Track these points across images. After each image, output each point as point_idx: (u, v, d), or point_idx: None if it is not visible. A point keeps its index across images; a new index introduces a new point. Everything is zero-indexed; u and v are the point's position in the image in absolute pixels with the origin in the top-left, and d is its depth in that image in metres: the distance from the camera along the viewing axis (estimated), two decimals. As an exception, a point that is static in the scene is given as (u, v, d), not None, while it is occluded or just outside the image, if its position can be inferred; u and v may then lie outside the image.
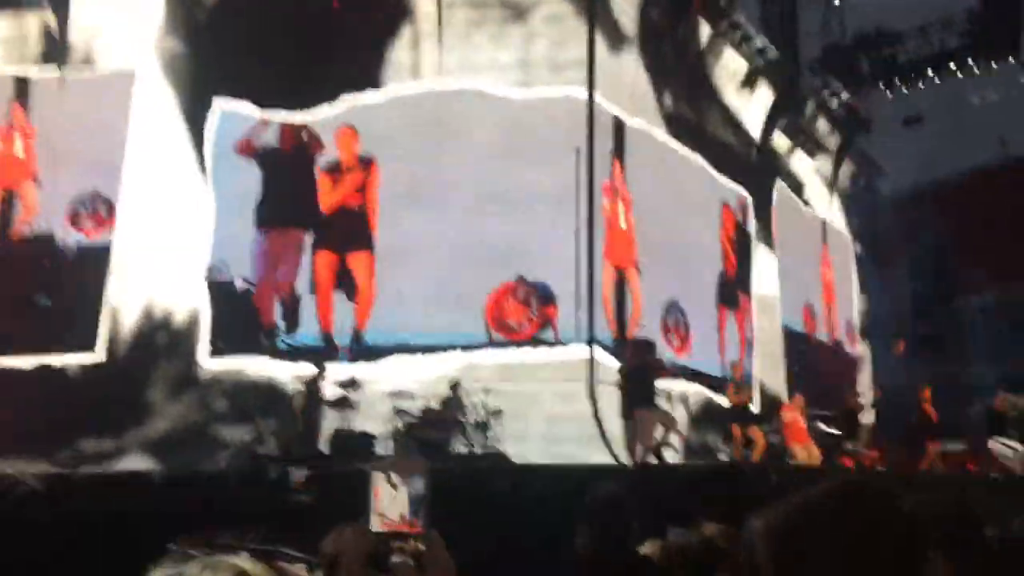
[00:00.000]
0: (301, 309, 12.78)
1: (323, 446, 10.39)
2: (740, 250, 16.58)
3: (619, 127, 13.83)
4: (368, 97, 13.35)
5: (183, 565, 0.97)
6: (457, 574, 1.32)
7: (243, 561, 0.98)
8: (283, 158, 13.28)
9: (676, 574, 3.51)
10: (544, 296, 12.73)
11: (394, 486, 1.35)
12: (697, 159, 15.56)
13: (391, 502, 1.36)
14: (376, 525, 1.36)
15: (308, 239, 12.97)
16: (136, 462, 10.07)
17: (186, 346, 12.34)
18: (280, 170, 13.21)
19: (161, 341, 12.38)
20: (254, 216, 12.91)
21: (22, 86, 13.67)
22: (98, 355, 12.29)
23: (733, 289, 16.27)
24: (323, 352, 12.16)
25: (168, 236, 12.47)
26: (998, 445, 11.28)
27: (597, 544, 3.33)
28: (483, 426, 10.58)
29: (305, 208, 13.04)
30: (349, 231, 12.91)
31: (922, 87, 20.45)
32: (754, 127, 17.57)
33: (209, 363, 12.36)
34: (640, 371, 10.64)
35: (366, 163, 12.98)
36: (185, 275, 12.48)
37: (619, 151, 13.72)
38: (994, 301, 19.32)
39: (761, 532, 1.11)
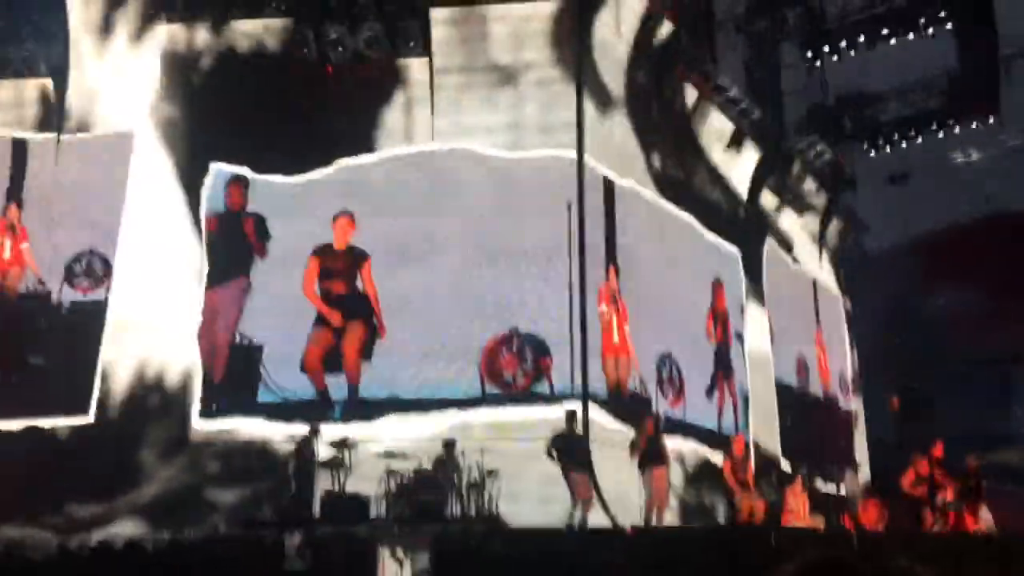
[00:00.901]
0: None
1: (316, 509, 10.27)
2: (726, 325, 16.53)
3: (609, 187, 14.04)
4: (362, 159, 13.55)
5: None
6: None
7: None
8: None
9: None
10: (538, 348, 12.77)
11: (399, 561, 1.39)
12: (687, 217, 15.76)
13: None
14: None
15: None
16: (127, 527, 9.93)
17: (179, 407, 12.28)
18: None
19: (153, 402, 12.33)
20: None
21: (20, 149, 13.84)
22: (89, 417, 12.21)
23: (725, 357, 16.31)
24: (316, 408, 12.12)
25: (163, 296, 12.52)
26: None
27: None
28: (477, 487, 10.49)
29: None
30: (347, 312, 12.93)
31: (905, 146, 20.83)
32: (741, 186, 17.84)
33: (202, 424, 12.29)
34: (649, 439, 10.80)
35: (358, 253, 13.08)
36: (179, 335, 12.48)
37: (611, 256, 13.87)
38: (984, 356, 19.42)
39: None
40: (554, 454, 10.62)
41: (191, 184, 13.13)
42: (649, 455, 10.64)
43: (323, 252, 13.02)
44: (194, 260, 12.94)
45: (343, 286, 12.94)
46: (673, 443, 13.01)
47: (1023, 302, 20.01)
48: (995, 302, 19.61)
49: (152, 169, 13.18)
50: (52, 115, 13.95)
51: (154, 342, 12.53)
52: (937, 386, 18.59)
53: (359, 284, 12.94)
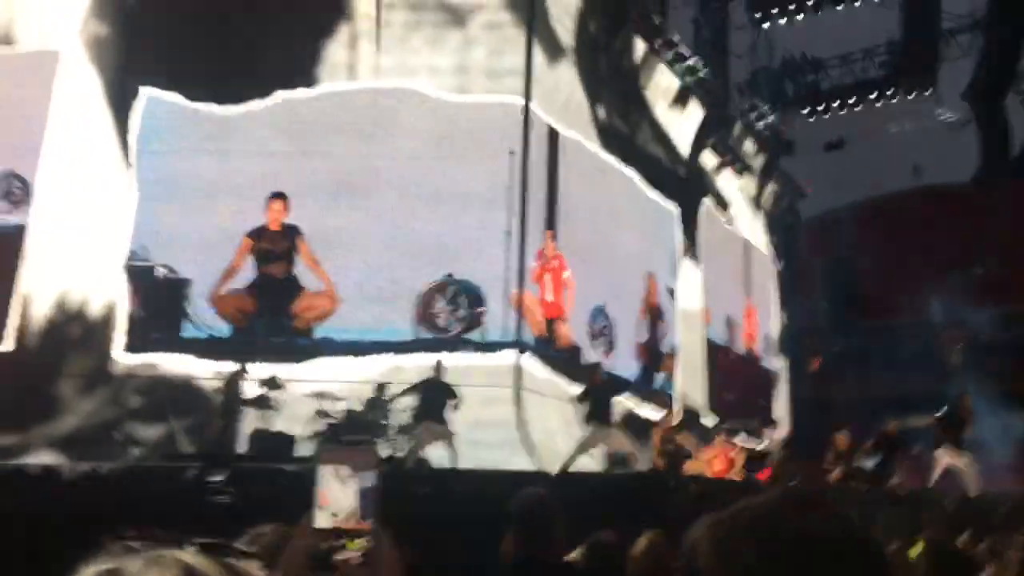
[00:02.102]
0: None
1: (242, 447, 10.13)
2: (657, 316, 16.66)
3: (553, 136, 13.95)
4: (301, 93, 13.16)
5: (122, 559, 0.90)
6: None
7: (189, 556, 0.93)
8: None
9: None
10: (473, 296, 12.74)
11: (342, 480, 1.32)
12: (628, 172, 15.79)
13: (338, 497, 1.33)
14: (321, 521, 1.33)
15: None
16: (44, 458, 9.65)
17: (101, 339, 11.92)
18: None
19: (74, 333, 11.93)
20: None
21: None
22: (6, 344, 11.77)
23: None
24: (242, 345, 11.92)
25: (87, 223, 12.05)
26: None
27: (523, 549, 3.35)
28: (407, 429, 10.50)
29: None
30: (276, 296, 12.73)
31: (843, 113, 21.18)
32: (684, 144, 17.93)
33: (124, 358, 11.97)
34: (596, 391, 10.88)
35: (293, 231, 12.80)
36: (103, 264, 12.07)
37: (551, 221, 13.80)
38: (907, 323, 20.08)
39: (704, 540, 1.10)
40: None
41: (120, 107, 12.57)
42: (596, 412, 10.69)
43: (258, 235, 12.74)
44: (120, 186, 12.45)
45: (282, 268, 12.73)
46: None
47: (944, 272, 20.71)
48: (919, 270, 20.25)
49: (78, 89, 12.57)
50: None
51: (76, 271, 12.08)
52: (860, 350, 19.18)
53: (297, 264, 12.71)
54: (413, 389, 10.49)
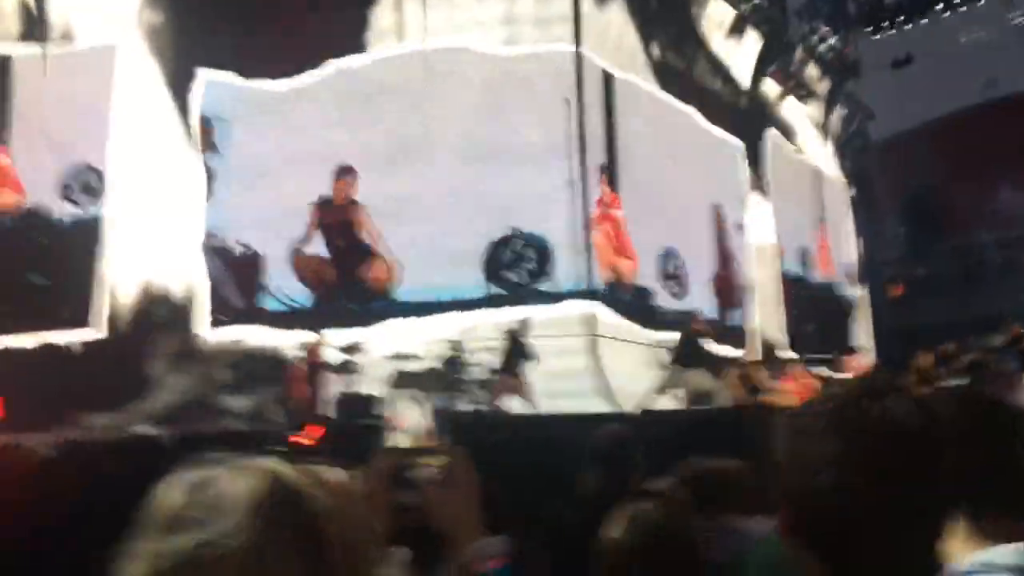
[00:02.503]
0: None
1: (328, 411, 10.41)
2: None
3: (608, 80, 13.73)
4: (352, 61, 13.22)
5: (212, 469, 0.93)
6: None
7: (274, 463, 0.98)
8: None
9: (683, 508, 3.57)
10: (540, 248, 12.73)
11: (419, 402, 1.36)
12: (688, 110, 15.48)
13: (415, 418, 1.37)
14: (401, 441, 1.37)
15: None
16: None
17: (186, 318, 12.37)
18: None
19: (161, 314, 12.39)
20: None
21: (3, 64, 13.50)
22: (99, 331, 12.30)
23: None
24: (319, 315, 12.25)
25: (161, 208, 12.44)
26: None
27: (604, 482, 3.39)
28: (485, 384, 10.63)
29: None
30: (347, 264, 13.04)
31: (909, 28, 20.29)
32: (743, 75, 17.45)
33: (210, 334, 12.39)
34: (693, 339, 11.02)
35: (354, 206, 13.05)
36: (181, 246, 12.48)
37: (612, 166, 13.62)
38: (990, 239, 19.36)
39: (785, 432, 1.10)
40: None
41: (180, 92, 12.86)
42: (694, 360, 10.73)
43: (323, 207, 13.08)
44: (188, 169, 12.79)
45: (346, 239, 13.01)
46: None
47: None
48: (998, 184, 19.43)
49: (138, 79, 12.88)
50: (35, 27, 13.53)
51: (156, 255, 12.50)
52: (942, 272, 18.59)
53: (362, 235, 12.95)
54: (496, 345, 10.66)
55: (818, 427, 1.06)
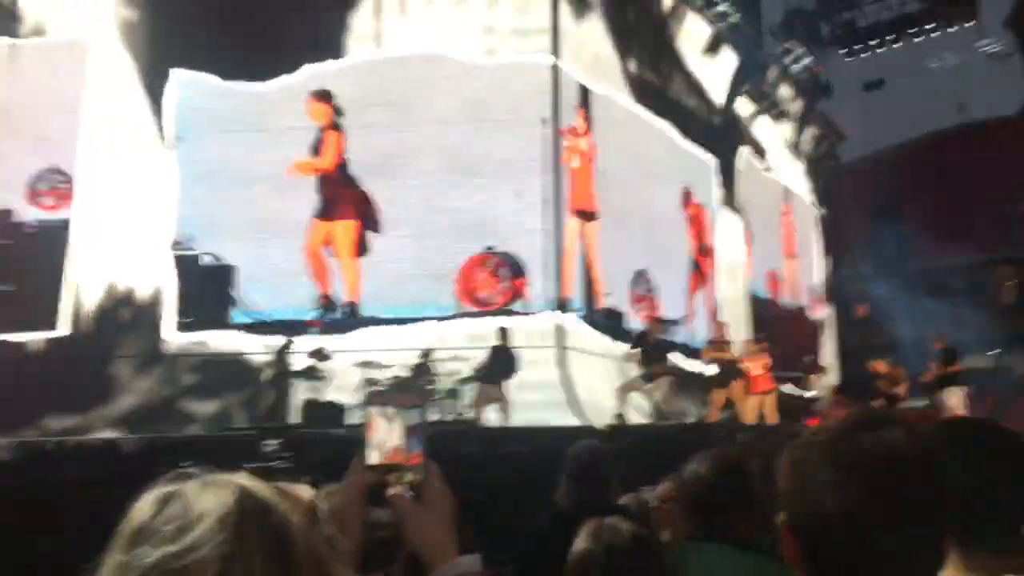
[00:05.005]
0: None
1: (294, 417, 10.33)
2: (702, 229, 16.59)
3: (585, 94, 13.79)
4: (329, 66, 13.16)
5: (179, 483, 0.92)
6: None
7: (243, 478, 0.97)
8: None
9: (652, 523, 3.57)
10: (514, 267, 12.72)
11: (390, 419, 1.34)
12: (663, 125, 15.60)
13: (387, 435, 1.35)
14: (373, 459, 1.35)
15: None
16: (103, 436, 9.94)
17: (151, 321, 12.18)
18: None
19: (125, 316, 12.20)
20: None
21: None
22: (62, 331, 12.09)
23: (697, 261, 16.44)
24: (291, 327, 12.07)
25: (129, 209, 12.26)
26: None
27: (576, 496, 3.38)
28: (453, 393, 10.60)
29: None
30: (330, 198, 12.80)
31: (881, 52, 20.62)
32: (718, 93, 17.63)
33: (175, 337, 12.20)
34: (653, 346, 11.10)
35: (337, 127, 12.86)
36: (149, 249, 12.29)
37: (584, 103, 13.69)
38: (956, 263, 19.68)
39: (785, 463, 1.14)
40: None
41: (153, 92, 12.71)
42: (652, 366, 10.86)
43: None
44: (159, 171, 12.63)
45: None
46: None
47: (993, 210, 20.21)
48: (967, 209, 19.78)
49: (111, 77, 12.71)
50: (4, 20, 13.32)
51: (122, 257, 12.32)
52: (907, 294, 18.84)
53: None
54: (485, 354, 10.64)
55: (816, 458, 1.10)
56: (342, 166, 12.81)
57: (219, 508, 0.89)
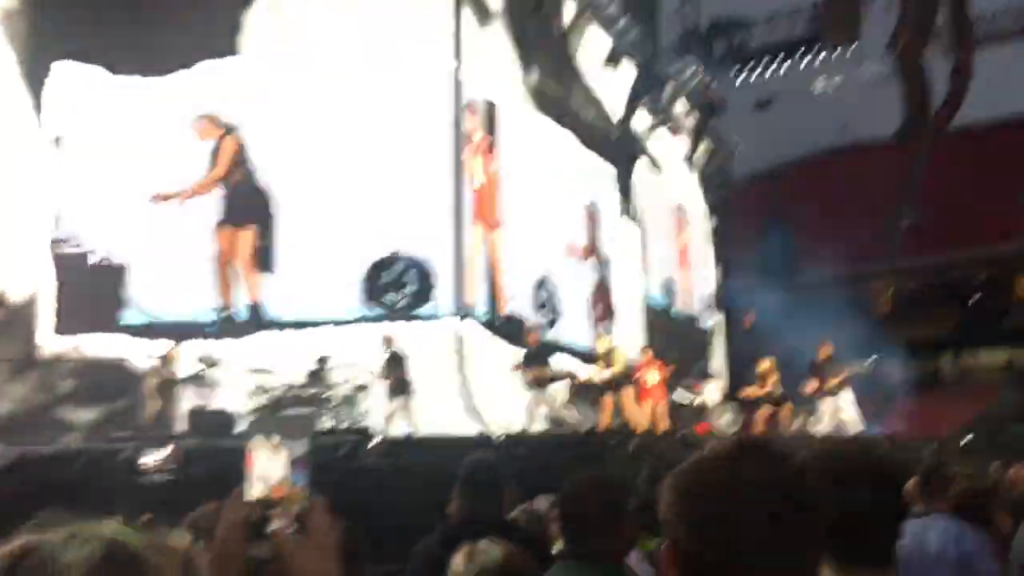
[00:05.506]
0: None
1: (180, 426, 9.96)
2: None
3: (488, 104, 13.86)
4: (226, 64, 12.76)
5: (43, 533, 0.87)
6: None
7: (110, 529, 0.90)
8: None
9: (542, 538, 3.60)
10: (420, 273, 12.61)
11: (274, 449, 1.30)
12: (564, 135, 15.81)
13: (270, 466, 1.30)
14: (255, 492, 1.30)
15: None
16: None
17: (26, 324, 11.52)
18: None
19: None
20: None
21: None
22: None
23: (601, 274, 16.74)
24: (185, 328, 11.66)
25: (4, 206, 11.57)
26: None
27: (468, 510, 3.36)
28: (350, 400, 10.44)
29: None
30: (231, 205, 12.40)
31: (770, 73, 21.48)
32: (617, 106, 17.98)
33: (53, 342, 11.58)
34: (535, 352, 11.31)
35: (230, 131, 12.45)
36: (24, 247, 11.63)
37: (488, 113, 13.73)
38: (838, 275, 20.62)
39: (667, 491, 1.15)
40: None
41: (34, 84, 12.03)
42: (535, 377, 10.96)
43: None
44: (36, 167, 11.97)
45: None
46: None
47: (872, 225, 21.31)
48: (849, 223, 20.77)
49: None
50: None
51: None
52: (791, 304, 19.65)
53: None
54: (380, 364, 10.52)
55: (698, 485, 1.13)
56: (241, 172, 12.42)
57: (84, 563, 0.82)
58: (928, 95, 20.71)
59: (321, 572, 1.24)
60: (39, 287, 11.70)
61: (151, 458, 5.62)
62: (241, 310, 12.22)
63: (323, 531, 1.30)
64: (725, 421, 13.69)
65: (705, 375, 17.63)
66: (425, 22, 13.27)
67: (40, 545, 0.84)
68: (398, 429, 10.22)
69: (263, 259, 12.33)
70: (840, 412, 11.96)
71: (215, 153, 12.33)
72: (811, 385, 12.44)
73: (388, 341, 10.87)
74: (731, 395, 15.76)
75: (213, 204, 12.36)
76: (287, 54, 12.85)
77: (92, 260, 11.95)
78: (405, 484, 5.85)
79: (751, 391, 12.96)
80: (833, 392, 12.11)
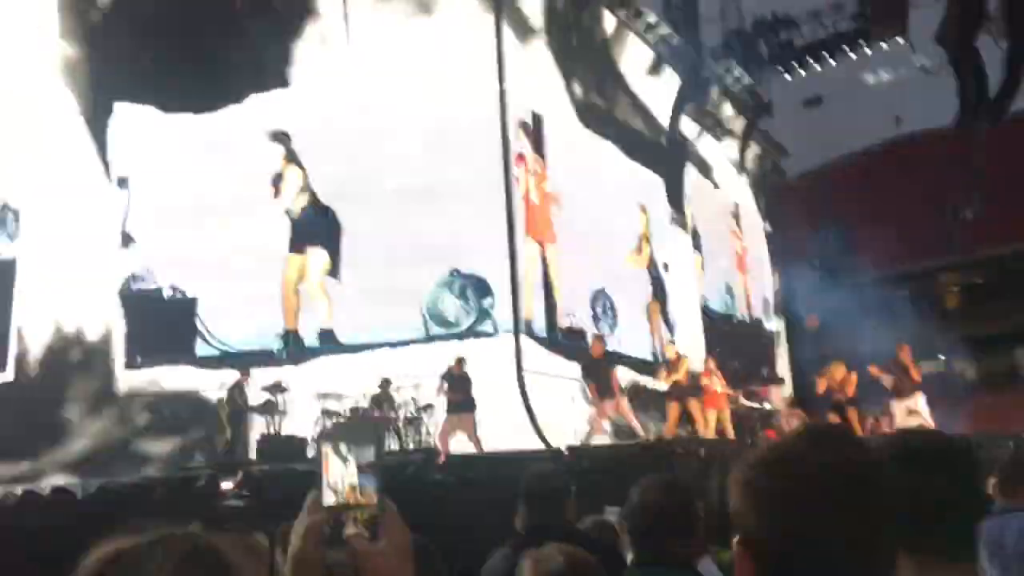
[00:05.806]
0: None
1: (251, 454, 10.18)
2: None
3: (536, 119, 13.96)
4: (276, 96, 13.10)
5: (129, 540, 0.88)
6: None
7: (196, 532, 0.94)
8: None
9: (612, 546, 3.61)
10: (479, 289, 12.72)
11: (344, 458, 1.36)
12: (610, 147, 15.79)
13: (341, 473, 1.37)
14: (328, 499, 1.36)
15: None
16: (57, 481, 9.67)
17: (103, 360, 11.93)
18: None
19: (75, 357, 11.93)
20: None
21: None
22: (7, 375, 11.78)
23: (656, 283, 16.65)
24: (256, 357, 11.93)
25: (77, 246, 12.03)
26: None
27: (534, 519, 3.40)
28: (414, 422, 10.54)
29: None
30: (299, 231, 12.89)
31: (819, 70, 21.13)
32: (663, 114, 17.91)
33: (128, 377, 11.97)
34: (598, 363, 11.15)
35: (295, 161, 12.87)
36: (98, 286, 12.07)
37: (536, 129, 13.83)
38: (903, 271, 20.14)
39: (735, 481, 1.14)
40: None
41: (96, 126, 12.51)
42: (600, 387, 10.89)
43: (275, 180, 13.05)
44: (106, 206, 12.43)
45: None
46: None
47: (931, 223, 20.77)
48: (907, 219, 20.29)
49: (54, 111, 12.50)
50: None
51: (70, 296, 12.08)
52: (855, 304, 19.26)
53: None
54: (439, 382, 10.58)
55: (766, 476, 1.11)
56: (307, 198, 12.81)
57: (171, 563, 0.86)
58: (983, 83, 20.16)
59: (395, 574, 1.30)
60: (114, 324, 12.12)
61: (226, 483, 5.78)
62: (309, 335, 12.48)
63: (397, 534, 1.35)
64: (793, 426, 13.44)
65: (771, 380, 17.34)
66: (468, 43, 13.43)
67: (130, 548, 0.88)
68: (462, 446, 10.27)
69: (330, 281, 12.64)
70: (914, 412, 11.65)
71: (277, 182, 12.73)
72: (890, 384, 12.11)
73: (460, 362, 10.92)
74: (798, 399, 15.49)
75: (280, 231, 12.69)
76: (337, 84, 13.13)
77: (163, 295, 12.34)
78: (471, 498, 5.91)
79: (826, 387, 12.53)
80: (910, 393, 11.80)
